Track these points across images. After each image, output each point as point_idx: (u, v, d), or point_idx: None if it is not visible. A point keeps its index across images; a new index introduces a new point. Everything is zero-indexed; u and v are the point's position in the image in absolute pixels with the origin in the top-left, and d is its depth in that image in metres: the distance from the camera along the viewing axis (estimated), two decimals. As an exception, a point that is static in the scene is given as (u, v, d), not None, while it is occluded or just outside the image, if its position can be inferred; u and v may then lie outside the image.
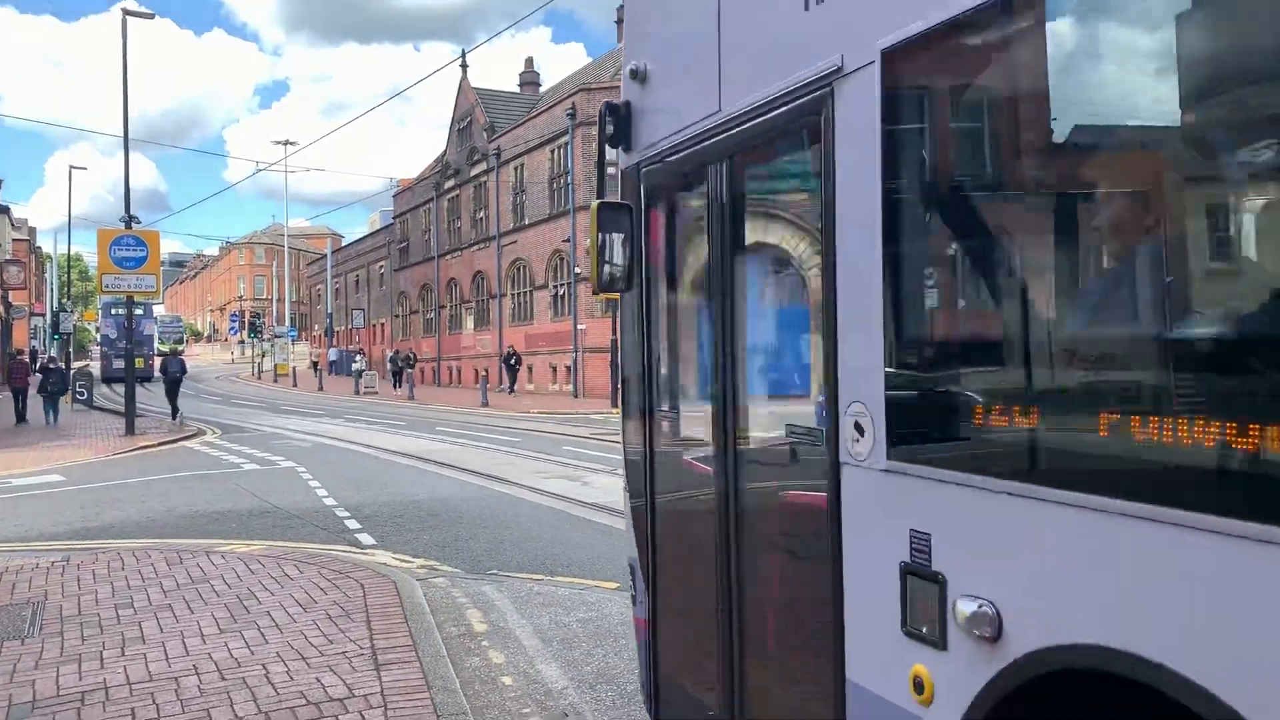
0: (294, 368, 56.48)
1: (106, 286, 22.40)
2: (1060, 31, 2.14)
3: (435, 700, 5.03)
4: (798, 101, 2.84)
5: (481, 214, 45.75)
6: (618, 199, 3.96)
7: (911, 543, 2.49)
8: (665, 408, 3.95)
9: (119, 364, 52.59)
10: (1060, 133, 2.21)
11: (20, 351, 38.01)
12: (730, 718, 3.39)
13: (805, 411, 3.11)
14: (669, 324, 3.92)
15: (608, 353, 30.85)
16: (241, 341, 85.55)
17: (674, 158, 3.64)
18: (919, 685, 2.48)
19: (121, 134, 23.30)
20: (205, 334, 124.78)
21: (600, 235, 3.82)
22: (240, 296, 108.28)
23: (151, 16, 24.16)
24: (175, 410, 26.72)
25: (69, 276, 70.88)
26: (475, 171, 45.90)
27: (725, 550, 3.37)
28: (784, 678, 3.20)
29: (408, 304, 56.02)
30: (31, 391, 28.44)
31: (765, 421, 3.35)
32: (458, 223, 48.38)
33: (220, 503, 12.66)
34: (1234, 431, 1.76)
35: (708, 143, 3.35)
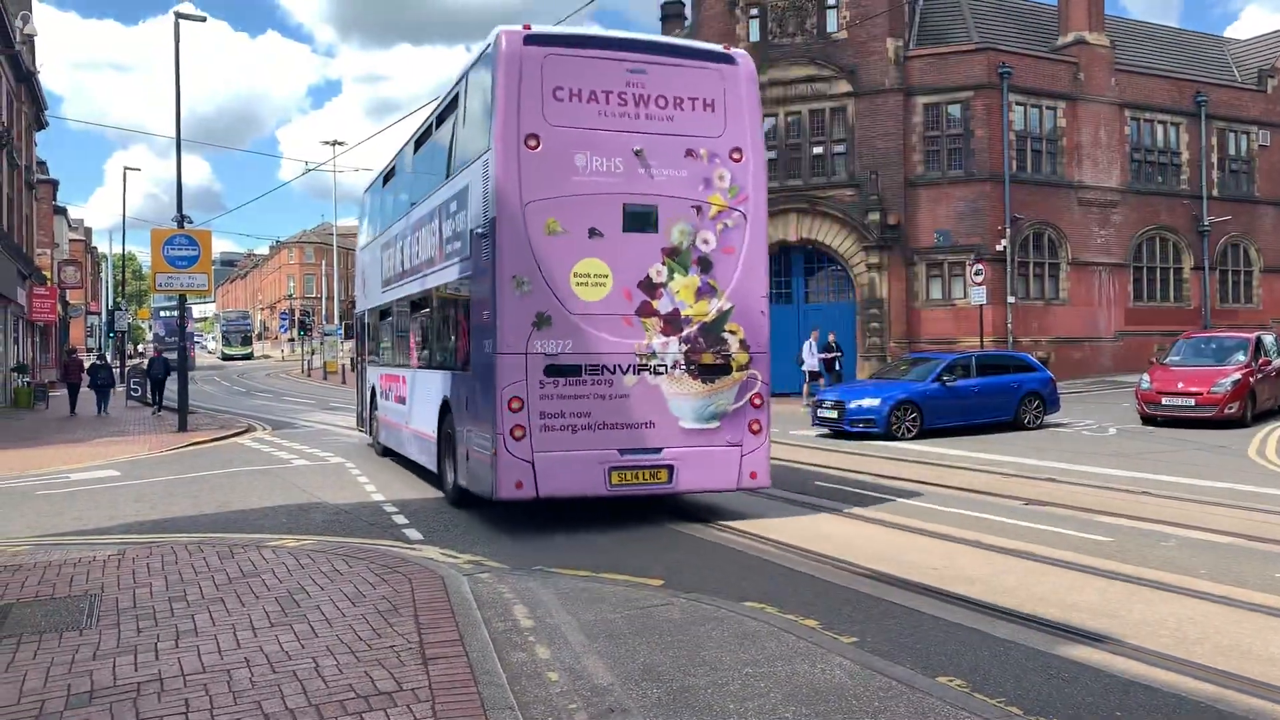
0: (343, 365, 57.06)
1: (160, 285, 22.79)
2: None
3: (482, 694, 5.04)
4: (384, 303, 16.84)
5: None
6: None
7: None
8: (374, 365, 17.89)
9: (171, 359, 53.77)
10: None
11: (75, 350, 38.89)
12: (372, 435, 17.66)
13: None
14: (372, 342, 18.20)
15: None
16: (291, 339, 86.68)
17: (365, 309, 18.72)
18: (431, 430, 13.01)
19: (174, 135, 23.68)
20: (257, 332, 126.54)
21: (355, 326, 19.12)
22: (290, 295, 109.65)
23: (204, 19, 24.51)
24: (158, 404, 29.43)
25: (123, 275, 72.25)
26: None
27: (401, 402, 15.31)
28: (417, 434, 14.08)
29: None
30: (83, 388, 29.66)
31: (399, 364, 15.53)
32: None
33: (271, 498, 12.82)
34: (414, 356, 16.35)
35: (369, 307, 18.16)
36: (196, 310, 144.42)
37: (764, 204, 10.65)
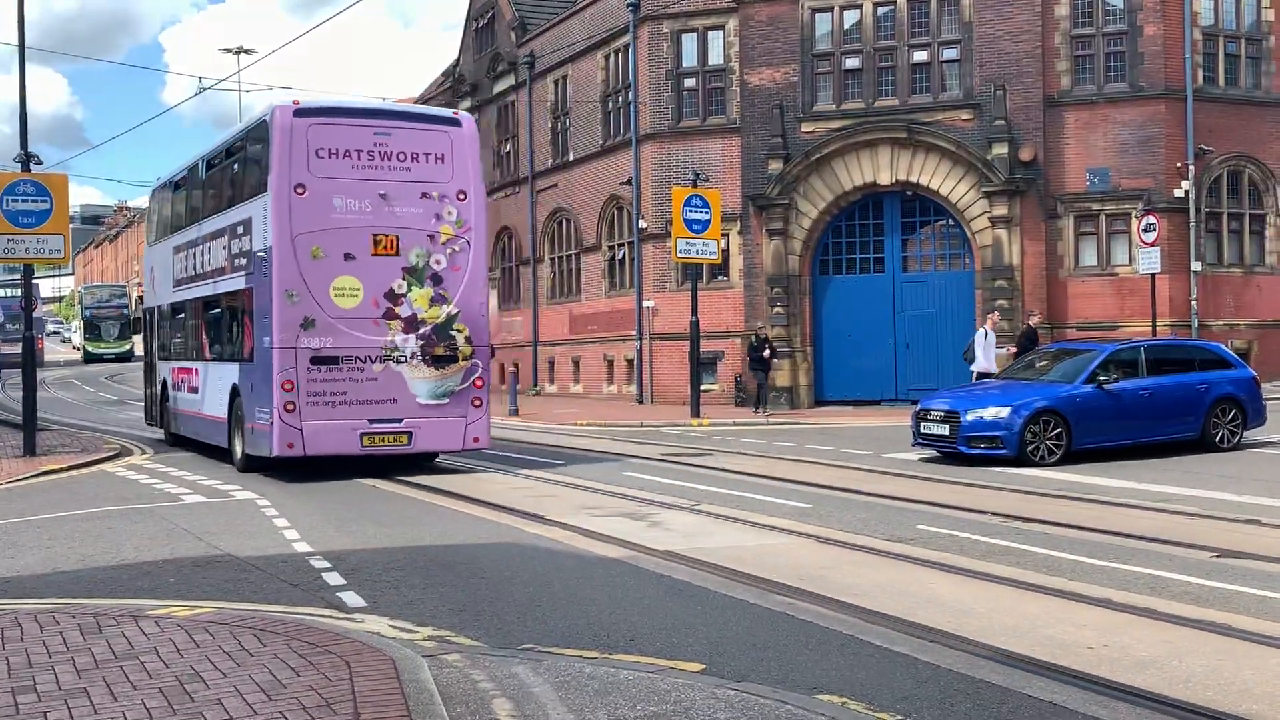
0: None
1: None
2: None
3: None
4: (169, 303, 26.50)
5: (508, 147, 46.07)
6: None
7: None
8: (160, 353, 27.42)
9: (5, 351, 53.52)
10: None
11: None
12: (163, 427, 27.17)
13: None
14: (163, 337, 26.95)
15: (685, 340, 30.86)
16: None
17: (155, 305, 28.04)
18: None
19: (17, 42, 23.84)
20: (136, 316, 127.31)
21: (144, 321, 30.36)
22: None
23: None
24: None
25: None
26: (499, 88, 46.21)
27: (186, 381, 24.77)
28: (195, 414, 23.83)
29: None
30: None
31: (192, 358, 24.16)
32: (475, 159, 48.95)
33: (153, 549, 12.85)
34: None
35: (160, 304, 27.31)
36: (47, 286, 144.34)
37: (484, 231, 20.14)
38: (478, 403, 19.16)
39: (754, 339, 30.12)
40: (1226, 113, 31.81)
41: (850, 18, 32.25)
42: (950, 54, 31.61)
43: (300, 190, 18.18)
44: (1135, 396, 19.32)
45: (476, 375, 19.14)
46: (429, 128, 19.44)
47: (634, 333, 36.43)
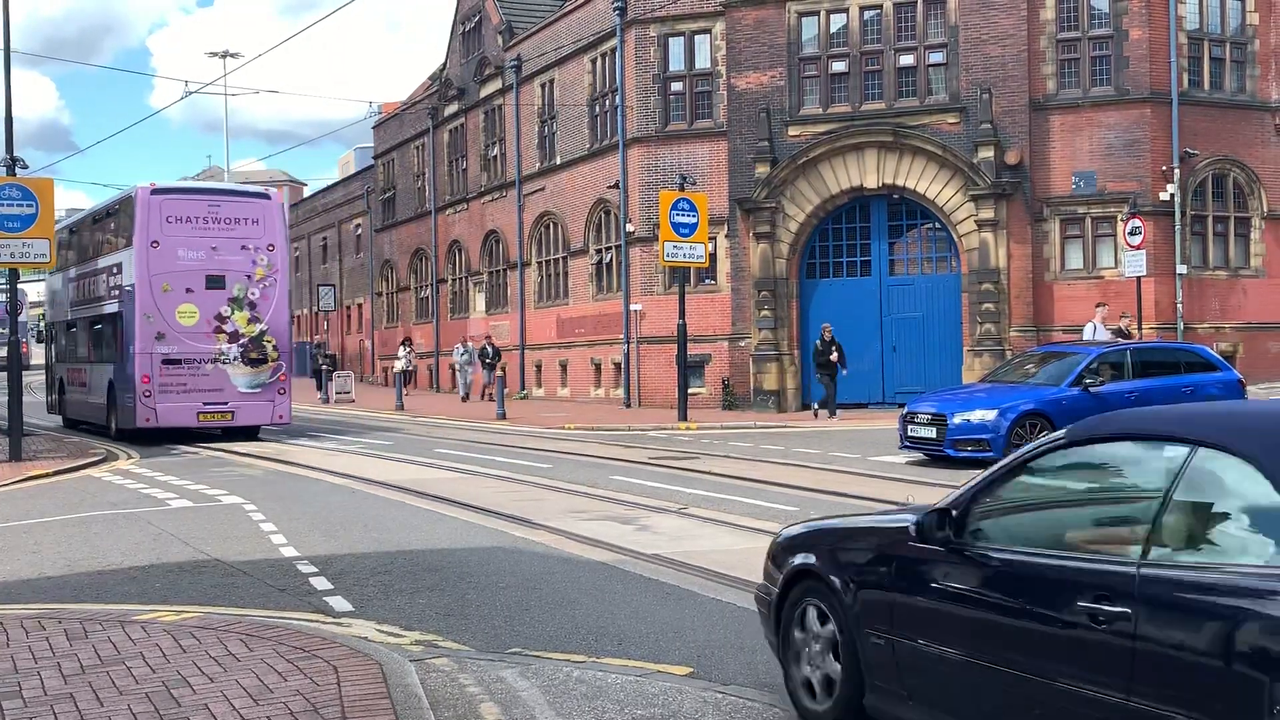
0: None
1: (-16, 256, 22.91)
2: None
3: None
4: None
5: (496, 150, 46.04)
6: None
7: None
8: (62, 363, 34.81)
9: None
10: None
11: None
12: (61, 414, 34.73)
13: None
14: (61, 345, 35.00)
15: (673, 343, 30.87)
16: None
17: (55, 321, 36.17)
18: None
19: (1, 46, 23.76)
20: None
21: (47, 333, 38.64)
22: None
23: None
24: None
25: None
26: (487, 91, 46.19)
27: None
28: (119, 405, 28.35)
29: (394, 277, 56.55)
30: None
31: (82, 360, 31.98)
32: (463, 163, 48.74)
33: (139, 554, 12.84)
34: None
35: (60, 320, 35.33)
36: (33, 291, 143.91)
37: (287, 271, 28.96)
38: (282, 391, 27.55)
39: (819, 343, 29.62)
40: (1211, 116, 31.89)
41: (837, 21, 32.29)
42: (936, 58, 31.64)
43: (155, 245, 26.27)
44: (1122, 399, 19.35)
45: (281, 372, 27.53)
46: (247, 200, 28.13)
47: (621, 336, 36.40)
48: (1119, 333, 25.75)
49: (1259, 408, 5.66)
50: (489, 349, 40.35)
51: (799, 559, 6.71)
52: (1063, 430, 5.62)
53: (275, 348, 27.18)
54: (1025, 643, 5.11)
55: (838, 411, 29.05)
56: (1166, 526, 4.80)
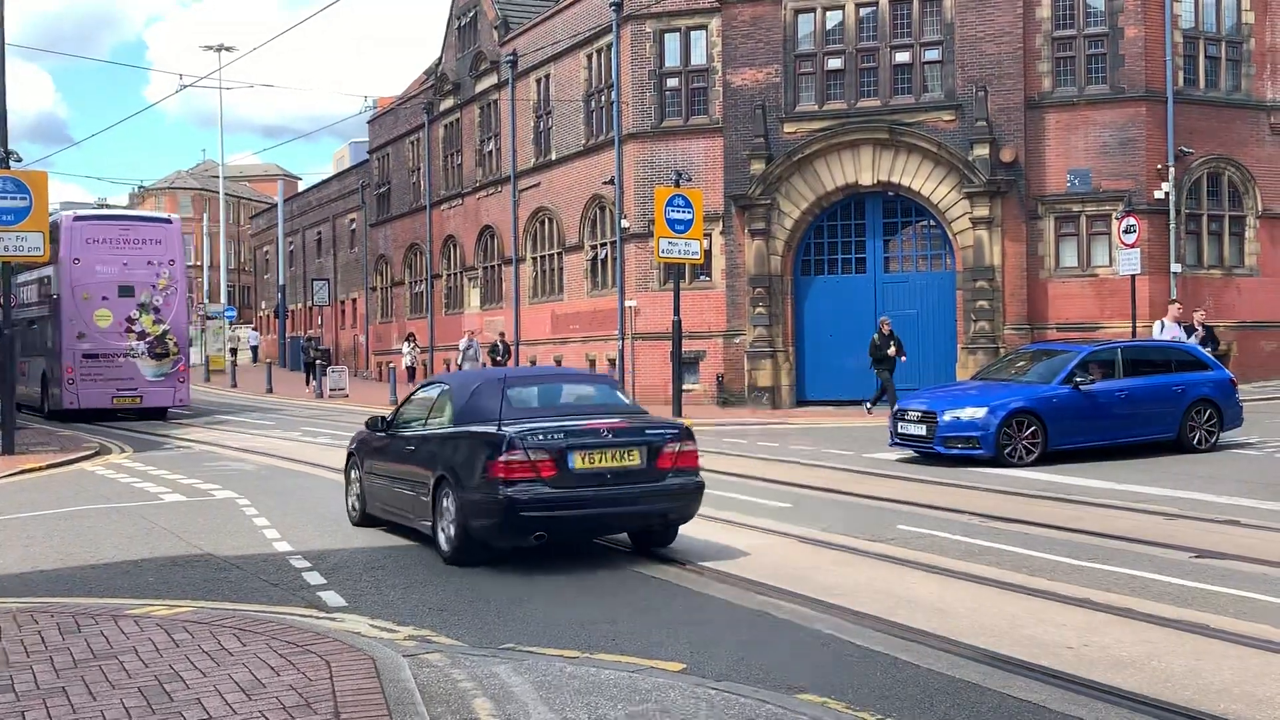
0: (232, 362, 57.28)
1: (-23, 249, 22.96)
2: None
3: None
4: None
5: (491, 146, 45.99)
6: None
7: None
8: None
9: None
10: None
11: None
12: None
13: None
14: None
15: (667, 340, 30.86)
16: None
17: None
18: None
19: (-4, 39, 23.80)
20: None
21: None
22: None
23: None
24: None
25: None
26: (482, 87, 46.14)
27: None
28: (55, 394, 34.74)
29: (389, 272, 56.51)
30: None
31: (23, 356, 34.06)
32: (458, 158, 48.70)
33: (133, 548, 12.85)
34: None
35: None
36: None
37: (185, 281, 35.90)
38: (181, 379, 34.07)
39: (876, 337, 28.74)
40: (1206, 115, 31.93)
41: (833, 18, 32.29)
42: (932, 55, 31.65)
43: (76, 261, 32.30)
44: (1112, 397, 19.38)
45: (181, 364, 34.04)
46: (153, 224, 35.66)
47: (616, 332, 36.41)
48: (1192, 330, 24.64)
49: (460, 377, 15.37)
50: (500, 345, 39.93)
51: (351, 447, 14.80)
52: (423, 381, 11.51)
53: (176, 344, 33.74)
54: (395, 466, 13.10)
55: (874, 408, 28.48)
56: (431, 413, 12.83)
